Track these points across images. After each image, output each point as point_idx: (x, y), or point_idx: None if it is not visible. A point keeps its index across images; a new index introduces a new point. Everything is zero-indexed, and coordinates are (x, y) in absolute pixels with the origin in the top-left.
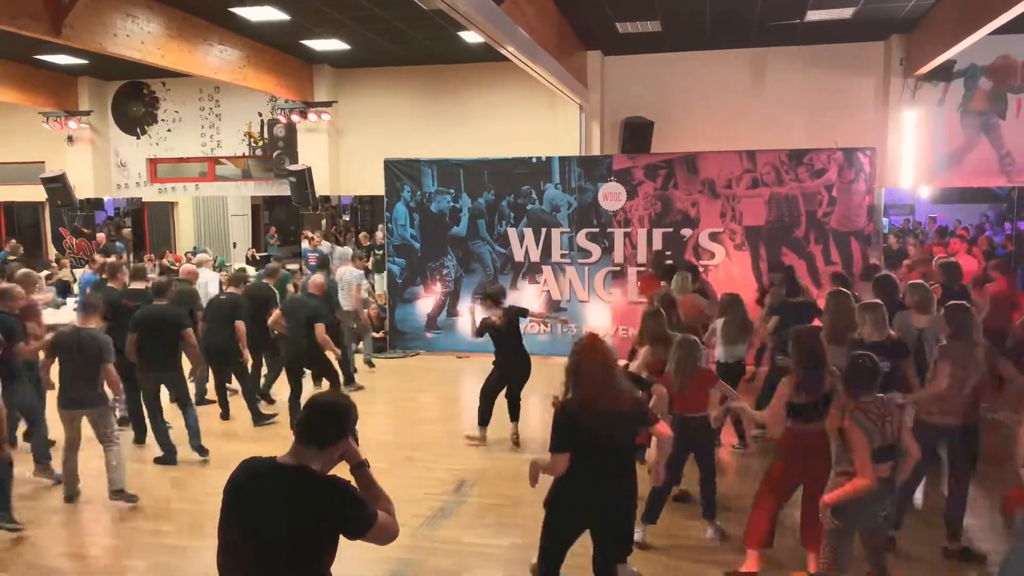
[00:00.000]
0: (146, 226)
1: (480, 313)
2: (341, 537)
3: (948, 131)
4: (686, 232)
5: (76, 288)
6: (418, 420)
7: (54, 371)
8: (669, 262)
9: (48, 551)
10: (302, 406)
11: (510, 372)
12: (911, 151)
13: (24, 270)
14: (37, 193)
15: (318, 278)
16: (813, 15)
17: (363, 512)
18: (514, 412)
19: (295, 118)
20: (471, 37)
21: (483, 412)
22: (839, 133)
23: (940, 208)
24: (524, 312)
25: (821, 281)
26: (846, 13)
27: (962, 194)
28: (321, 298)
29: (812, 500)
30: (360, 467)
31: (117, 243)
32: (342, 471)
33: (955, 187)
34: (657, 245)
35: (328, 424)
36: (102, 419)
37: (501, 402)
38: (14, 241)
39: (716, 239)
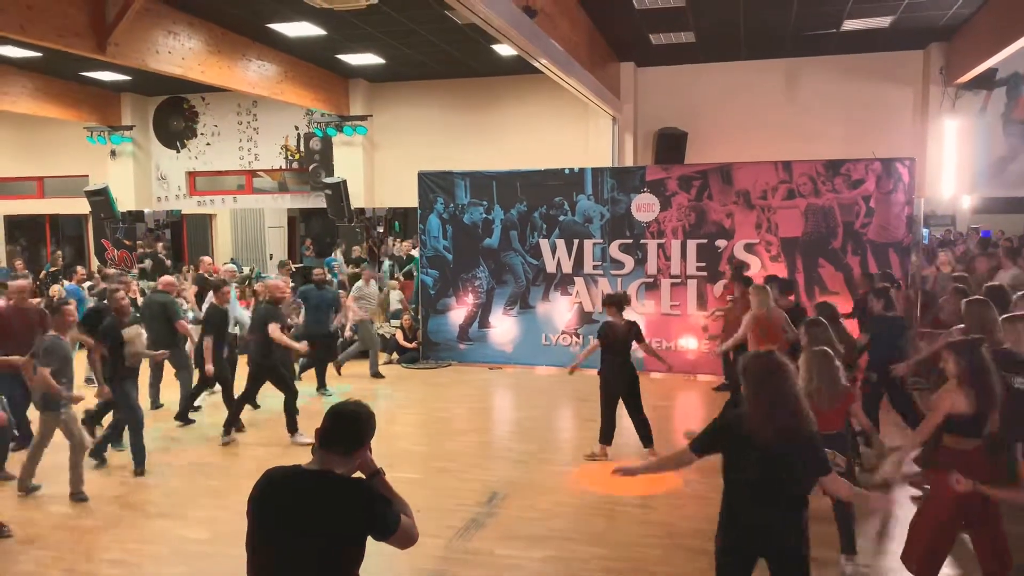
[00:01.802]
0: (185, 238)
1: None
2: (370, 545)
3: (990, 140)
4: (721, 243)
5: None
6: (450, 431)
7: None
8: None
9: (87, 556)
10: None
11: (613, 382)
12: (952, 161)
13: (17, 282)
14: (81, 206)
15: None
16: (850, 24)
17: (389, 513)
18: (643, 436)
19: (330, 131)
20: (504, 50)
21: (604, 429)
22: (877, 143)
23: (982, 218)
24: (641, 337)
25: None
26: (884, 22)
27: (1005, 204)
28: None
29: (985, 524)
30: (375, 475)
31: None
32: None
33: (998, 197)
34: (692, 256)
35: (352, 430)
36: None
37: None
38: (58, 252)
39: (752, 250)
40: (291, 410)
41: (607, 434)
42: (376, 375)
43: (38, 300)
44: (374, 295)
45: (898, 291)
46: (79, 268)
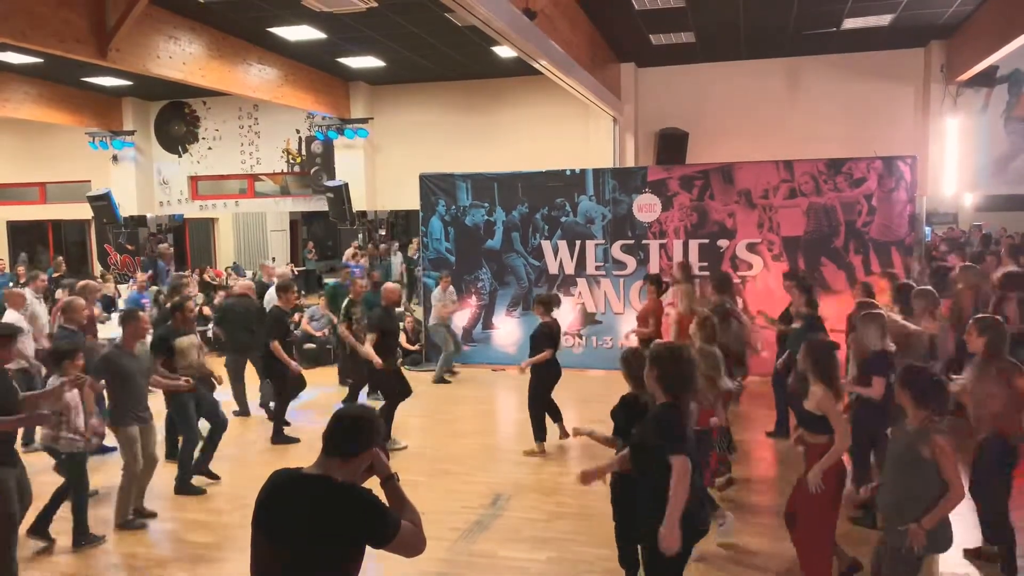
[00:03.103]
0: (187, 242)
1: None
2: (378, 550)
3: (992, 138)
4: (723, 243)
5: (121, 304)
6: (454, 433)
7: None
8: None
9: (94, 561)
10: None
11: (550, 378)
12: (954, 159)
13: (84, 281)
14: (84, 211)
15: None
16: (850, 23)
17: (384, 521)
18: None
19: (332, 134)
20: (504, 52)
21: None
22: (879, 141)
23: (985, 216)
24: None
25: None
26: (884, 20)
27: (1007, 202)
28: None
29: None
30: (389, 480)
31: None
32: (373, 485)
33: (1000, 194)
34: (693, 256)
35: (352, 436)
36: (146, 436)
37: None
38: (60, 258)
39: (754, 250)
40: (387, 417)
41: (542, 431)
42: (441, 380)
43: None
44: (449, 299)
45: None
46: (139, 274)
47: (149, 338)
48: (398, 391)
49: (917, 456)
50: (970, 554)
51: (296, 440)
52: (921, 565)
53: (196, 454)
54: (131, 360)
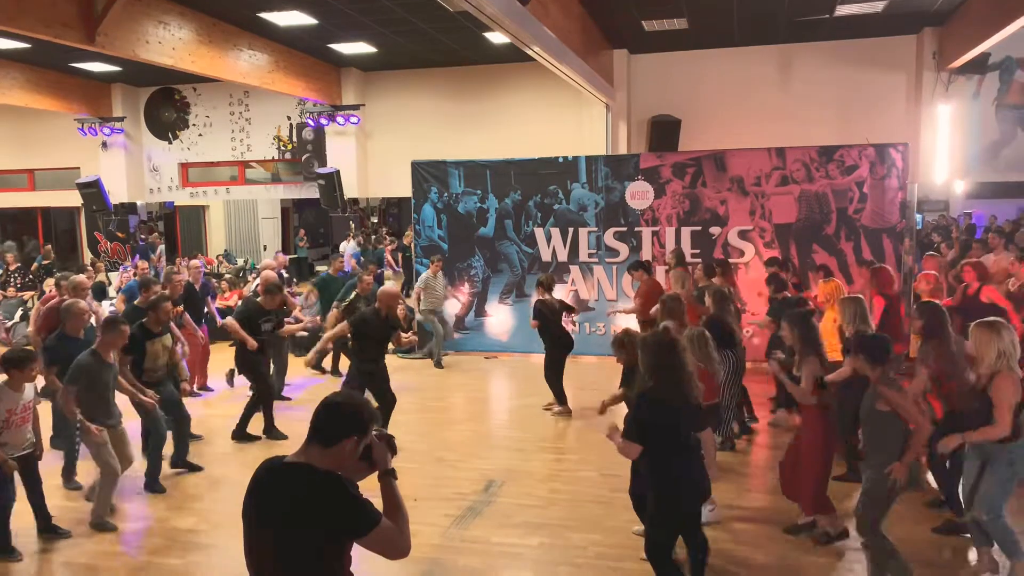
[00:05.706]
0: (178, 229)
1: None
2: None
3: (983, 125)
4: (715, 230)
5: (112, 292)
6: (447, 420)
7: None
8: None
9: (83, 548)
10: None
11: (559, 351)
12: (945, 146)
13: (75, 277)
14: (73, 198)
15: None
16: (843, 9)
17: (361, 513)
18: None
19: (323, 121)
20: (497, 38)
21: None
22: (871, 129)
23: (976, 203)
24: (571, 308)
25: (853, 278)
26: (877, 7)
27: (998, 189)
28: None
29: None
30: (386, 475)
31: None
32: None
33: (991, 182)
34: (686, 243)
35: (333, 422)
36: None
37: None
38: (48, 246)
39: (746, 237)
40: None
41: (562, 396)
42: (439, 365)
43: (31, 294)
44: (440, 285)
45: (788, 273)
46: (141, 262)
47: None
48: (386, 397)
49: (877, 410)
50: (940, 530)
51: (257, 438)
52: (891, 503)
53: (169, 451)
54: (106, 369)
